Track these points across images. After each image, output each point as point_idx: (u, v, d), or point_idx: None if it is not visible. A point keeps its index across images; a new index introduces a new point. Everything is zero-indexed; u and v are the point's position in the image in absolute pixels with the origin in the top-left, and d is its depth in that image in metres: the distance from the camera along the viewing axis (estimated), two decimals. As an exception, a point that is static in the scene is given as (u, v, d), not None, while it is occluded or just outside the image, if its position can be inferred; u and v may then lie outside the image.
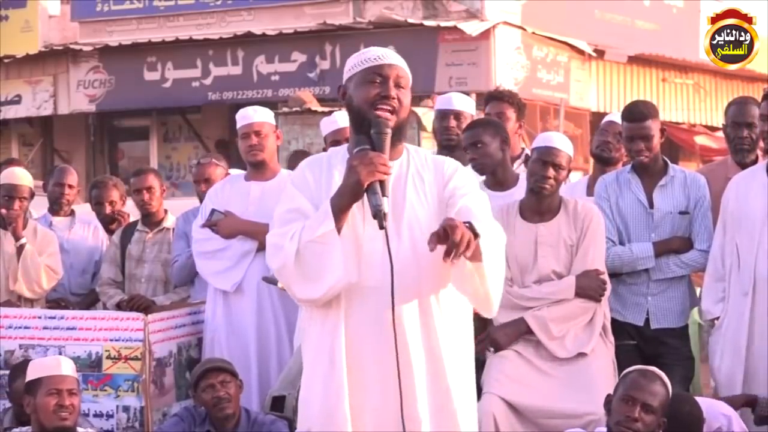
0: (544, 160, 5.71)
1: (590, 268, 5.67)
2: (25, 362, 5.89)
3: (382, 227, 3.61)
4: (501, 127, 6.31)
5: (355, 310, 3.74)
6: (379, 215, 3.60)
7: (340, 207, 3.67)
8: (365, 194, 3.65)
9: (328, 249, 3.65)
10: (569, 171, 5.88)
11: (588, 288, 5.66)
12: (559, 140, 5.82)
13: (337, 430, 3.73)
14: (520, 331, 5.63)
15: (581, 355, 5.63)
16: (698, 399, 5.19)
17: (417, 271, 3.75)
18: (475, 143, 6.17)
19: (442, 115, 6.79)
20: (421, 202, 3.81)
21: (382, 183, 3.65)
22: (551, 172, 5.70)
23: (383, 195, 3.63)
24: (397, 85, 3.79)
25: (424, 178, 3.84)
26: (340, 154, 3.90)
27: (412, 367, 3.74)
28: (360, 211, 3.74)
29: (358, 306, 3.74)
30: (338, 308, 3.75)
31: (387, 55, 3.83)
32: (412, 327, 3.75)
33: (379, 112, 3.75)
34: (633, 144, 6.13)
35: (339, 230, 3.67)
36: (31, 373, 5.44)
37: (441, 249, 3.58)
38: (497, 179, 6.18)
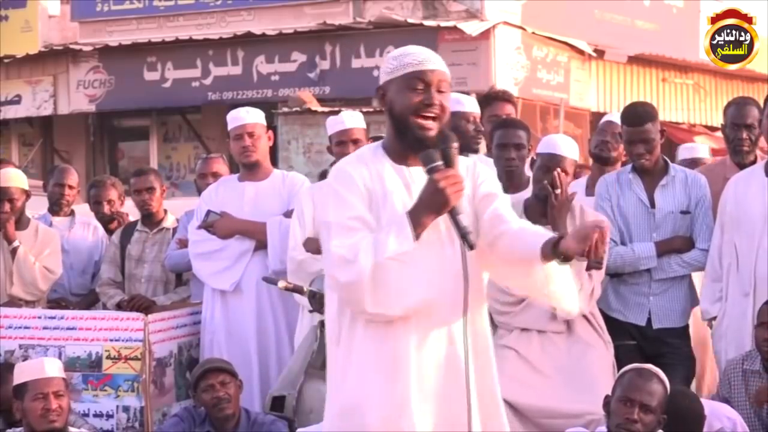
0: (548, 166, 5.68)
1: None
2: (9, 366, 5.88)
3: (472, 248, 3.60)
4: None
5: (423, 323, 3.69)
6: (468, 237, 3.58)
7: (422, 225, 3.61)
8: (448, 213, 3.61)
9: (409, 267, 3.59)
10: (575, 175, 5.85)
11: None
12: (564, 145, 5.75)
13: None
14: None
15: (581, 355, 5.64)
16: (703, 401, 5.17)
17: (475, 283, 3.75)
18: (518, 145, 6.12)
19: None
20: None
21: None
22: None
23: (461, 212, 3.61)
24: (439, 91, 3.74)
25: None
26: (378, 156, 3.80)
27: (480, 377, 3.75)
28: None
29: (425, 319, 3.69)
30: (406, 322, 3.68)
31: (429, 59, 3.78)
32: (475, 337, 3.76)
33: (420, 120, 3.70)
34: (633, 147, 6.11)
35: None
36: (18, 377, 5.44)
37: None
38: (513, 181, 6.09)
